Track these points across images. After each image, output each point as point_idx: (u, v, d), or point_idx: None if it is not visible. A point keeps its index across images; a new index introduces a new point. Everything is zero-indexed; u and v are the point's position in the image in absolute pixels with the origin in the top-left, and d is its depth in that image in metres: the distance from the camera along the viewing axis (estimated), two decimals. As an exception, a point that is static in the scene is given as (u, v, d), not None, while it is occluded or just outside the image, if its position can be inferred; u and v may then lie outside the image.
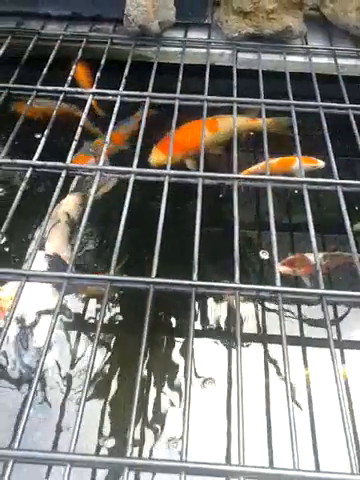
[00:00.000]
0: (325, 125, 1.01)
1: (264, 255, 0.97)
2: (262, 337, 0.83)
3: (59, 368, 0.79)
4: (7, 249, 0.97)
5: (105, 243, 1.00)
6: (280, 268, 0.91)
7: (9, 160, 0.90)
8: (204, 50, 1.22)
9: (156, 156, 1.16)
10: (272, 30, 1.18)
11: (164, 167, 0.91)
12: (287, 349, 0.65)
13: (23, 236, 1.00)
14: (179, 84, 1.09)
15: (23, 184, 0.87)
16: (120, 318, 0.93)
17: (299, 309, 0.90)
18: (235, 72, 1.14)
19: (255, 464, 0.55)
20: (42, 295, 0.84)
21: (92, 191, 0.86)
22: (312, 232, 0.80)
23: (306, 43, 1.24)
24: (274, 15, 1.17)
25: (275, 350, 0.81)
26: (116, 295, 0.95)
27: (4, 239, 0.81)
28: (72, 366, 0.79)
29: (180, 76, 1.11)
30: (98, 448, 0.68)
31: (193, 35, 1.26)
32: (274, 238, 0.78)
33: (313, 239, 0.80)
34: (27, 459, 0.55)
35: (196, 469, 0.54)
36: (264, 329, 0.85)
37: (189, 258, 0.77)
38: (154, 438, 0.70)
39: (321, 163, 1.10)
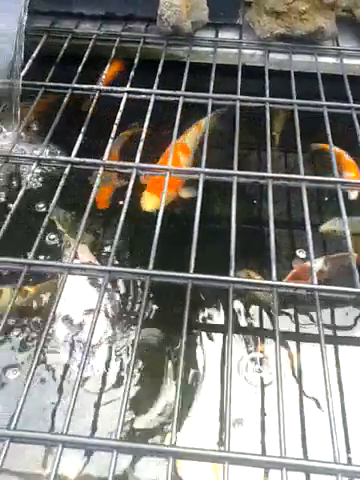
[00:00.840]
0: (358, 125, 1.02)
1: (301, 254, 0.98)
2: (297, 334, 0.85)
3: (100, 359, 0.81)
4: (48, 243, 0.99)
5: (141, 239, 1.01)
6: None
7: (49, 156, 0.93)
8: (236, 50, 1.23)
9: (151, 201, 1.02)
10: (304, 31, 1.19)
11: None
12: (325, 347, 0.66)
13: (63, 230, 1.03)
14: (211, 83, 1.11)
15: (62, 180, 0.89)
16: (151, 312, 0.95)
17: (332, 307, 0.91)
18: (267, 72, 1.15)
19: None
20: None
21: (129, 188, 0.88)
22: (347, 232, 0.81)
23: (337, 44, 1.25)
24: (306, 16, 1.18)
25: (309, 347, 0.82)
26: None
27: (45, 233, 0.83)
28: (113, 358, 0.81)
29: (212, 76, 1.13)
30: (140, 436, 0.70)
31: (224, 35, 1.27)
32: (310, 237, 0.80)
33: (349, 238, 0.80)
34: (74, 444, 0.58)
35: (239, 459, 0.55)
36: (298, 326, 0.87)
37: (223, 255, 0.79)
38: (197, 429, 0.72)
39: None
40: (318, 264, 0.95)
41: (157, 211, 0.84)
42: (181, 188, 1.07)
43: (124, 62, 1.22)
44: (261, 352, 0.83)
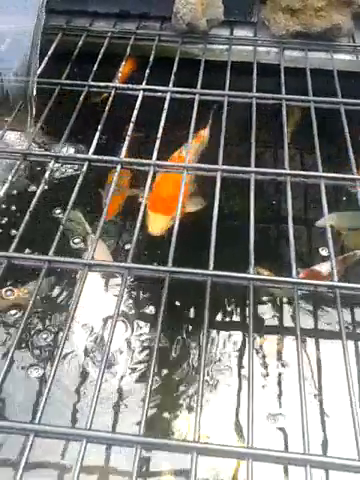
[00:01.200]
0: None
1: (323, 252, 0.98)
2: (316, 332, 0.85)
3: (121, 355, 0.81)
4: (66, 240, 1.00)
5: (160, 237, 1.01)
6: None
7: (67, 154, 0.93)
8: (251, 48, 1.23)
9: (156, 222, 0.95)
10: (320, 28, 1.18)
11: (171, 229, 0.81)
12: (347, 344, 0.66)
13: (81, 227, 1.03)
14: (227, 81, 1.11)
15: (80, 178, 0.90)
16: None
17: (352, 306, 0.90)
18: (282, 70, 1.14)
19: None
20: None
21: (146, 186, 0.88)
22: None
23: (353, 41, 1.24)
24: (322, 13, 1.17)
25: (329, 345, 0.82)
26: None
27: (64, 230, 0.83)
28: (134, 355, 0.82)
29: (228, 73, 1.13)
30: (163, 431, 0.70)
31: (239, 33, 1.27)
32: (329, 235, 0.79)
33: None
34: (98, 439, 0.58)
35: (263, 456, 0.55)
36: (317, 324, 0.87)
37: (241, 252, 0.79)
38: (220, 425, 0.72)
39: None
40: (327, 267, 0.93)
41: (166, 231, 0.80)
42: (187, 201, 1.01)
43: (137, 60, 1.22)
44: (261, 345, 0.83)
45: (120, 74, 1.15)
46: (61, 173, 1.13)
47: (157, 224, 0.96)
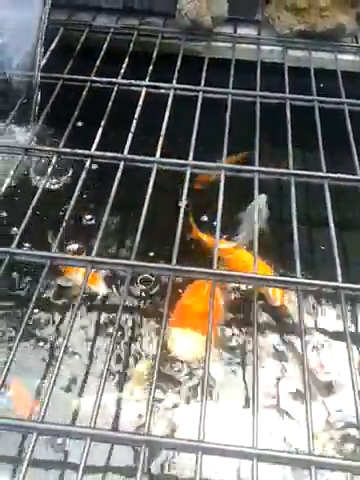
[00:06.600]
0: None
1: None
2: (320, 332, 0.85)
3: (121, 355, 0.81)
4: (70, 238, 0.98)
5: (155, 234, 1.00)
6: None
7: (69, 150, 0.92)
8: (254, 46, 1.22)
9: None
10: (324, 27, 1.18)
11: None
12: (351, 344, 0.66)
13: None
14: (231, 79, 1.10)
15: (83, 174, 0.89)
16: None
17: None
18: (286, 69, 1.14)
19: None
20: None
21: (150, 182, 0.88)
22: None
23: (357, 42, 1.24)
24: (327, 12, 1.17)
25: (330, 345, 0.82)
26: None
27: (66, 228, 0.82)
28: (135, 355, 0.82)
29: (231, 71, 1.12)
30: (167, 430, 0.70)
31: (243, 31, 1.26)
32: (333, 234, 0.79)
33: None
34: (102, 438, 0.57)
35: (268, 456, 0.55)
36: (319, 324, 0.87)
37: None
38: (221, 424, 0.72)
39: None
40: None
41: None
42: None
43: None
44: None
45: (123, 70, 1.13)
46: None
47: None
